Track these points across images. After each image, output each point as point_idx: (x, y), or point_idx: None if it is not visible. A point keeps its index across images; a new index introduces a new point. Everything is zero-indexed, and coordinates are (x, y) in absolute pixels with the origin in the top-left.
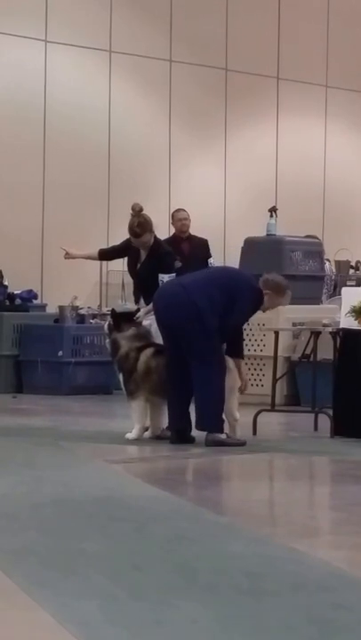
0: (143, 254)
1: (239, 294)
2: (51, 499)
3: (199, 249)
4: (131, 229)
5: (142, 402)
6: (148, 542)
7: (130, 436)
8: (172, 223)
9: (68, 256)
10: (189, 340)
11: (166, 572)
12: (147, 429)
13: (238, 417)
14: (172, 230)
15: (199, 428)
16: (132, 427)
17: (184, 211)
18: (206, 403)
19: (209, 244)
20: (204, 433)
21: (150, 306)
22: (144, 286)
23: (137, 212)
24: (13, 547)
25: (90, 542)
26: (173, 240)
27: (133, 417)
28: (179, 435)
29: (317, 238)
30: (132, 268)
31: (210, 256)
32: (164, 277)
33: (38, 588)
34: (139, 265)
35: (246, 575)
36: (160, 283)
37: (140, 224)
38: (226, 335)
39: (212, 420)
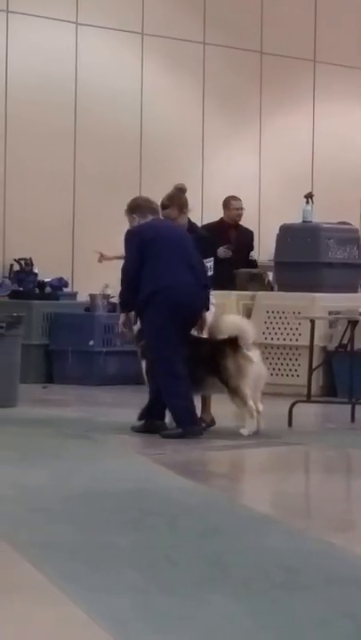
0: None
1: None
2: (81, 491)
3: (246, 239)
4: (161, 201)
5: None
6: (180, 536)
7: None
8: (225, 210)
9: (102, 259)
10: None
11: (199, 566)
12: None
13: (261, 408)
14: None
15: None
16: None
17: (240, 200)
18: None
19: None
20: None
21: None
22: None
23: (176, 187)
24: (44, 540)
25: (121, 536)
26: (219, 226)
27: None
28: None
29: (351, 224)
30: None
31: (252, 248)
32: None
33: (69, 582)
34: None
35: (281, 569)
36: None
37: (169, 197)
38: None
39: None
